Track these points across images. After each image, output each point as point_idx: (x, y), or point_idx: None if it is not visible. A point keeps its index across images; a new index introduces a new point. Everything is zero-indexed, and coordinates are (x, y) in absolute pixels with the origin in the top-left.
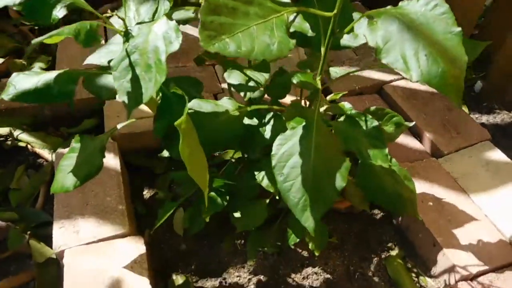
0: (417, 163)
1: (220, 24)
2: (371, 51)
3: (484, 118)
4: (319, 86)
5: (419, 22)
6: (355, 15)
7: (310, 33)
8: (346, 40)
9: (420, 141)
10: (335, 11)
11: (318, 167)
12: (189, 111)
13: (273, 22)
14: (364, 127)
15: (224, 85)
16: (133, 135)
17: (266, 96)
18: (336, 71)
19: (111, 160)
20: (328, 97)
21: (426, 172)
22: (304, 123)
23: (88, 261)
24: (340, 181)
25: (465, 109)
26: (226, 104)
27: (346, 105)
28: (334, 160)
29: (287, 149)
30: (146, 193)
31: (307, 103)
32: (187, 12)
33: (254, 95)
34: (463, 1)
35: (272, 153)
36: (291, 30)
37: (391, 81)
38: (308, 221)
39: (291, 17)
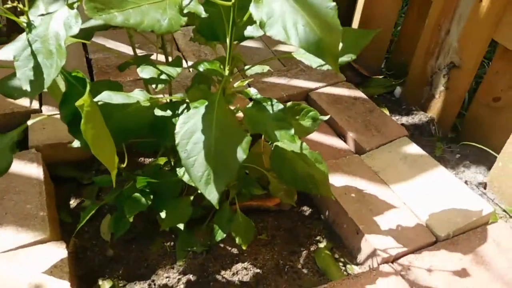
0: (341, 159)
1: None
2: (298, 62)
3: (404, 119)
4: (225, 73)
5: None
6: None
7: (203, 14)
8: (249, 31)
9: (345, 141)
10: (233, 1)
11: (220, 142)
12: (99, 102)
13: (166, 3)
14: (271, 111)
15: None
16: (58, 146)
17: None
18: (250, 67)
19: (34, 170)
20: (236, 84)
21: (349, 167)
22: (206, 103)
23: (5, 269)
24: (241, 154)
25: (386, 111)
26: (137, 95)
27: (252, 90)
28: (236, 135)
29: (190, 126)
30: (73, 203)
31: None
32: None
33: (174, 95)
34: (378, 13)
35: (176, 131)
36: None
37: (316, 88)
38: (212, 194)
39: (187, 1)
